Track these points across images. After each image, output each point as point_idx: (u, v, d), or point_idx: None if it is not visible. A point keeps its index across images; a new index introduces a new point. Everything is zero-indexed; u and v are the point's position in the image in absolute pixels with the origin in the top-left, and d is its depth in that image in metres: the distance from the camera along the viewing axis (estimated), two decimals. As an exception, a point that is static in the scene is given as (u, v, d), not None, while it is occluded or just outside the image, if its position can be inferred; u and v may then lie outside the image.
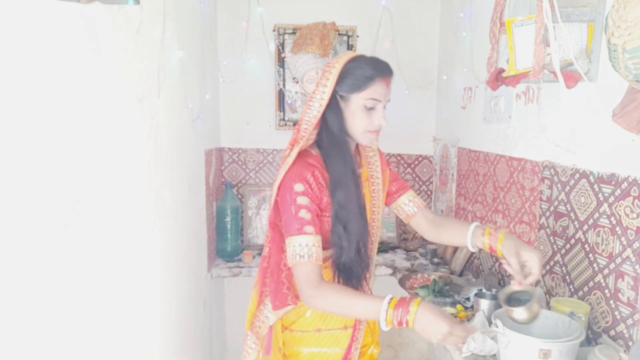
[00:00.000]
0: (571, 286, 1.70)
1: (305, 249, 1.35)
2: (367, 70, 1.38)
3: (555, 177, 1.78)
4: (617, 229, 1.46)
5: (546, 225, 1.85)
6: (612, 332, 1.49)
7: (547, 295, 1.81)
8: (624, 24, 1.14)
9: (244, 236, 2.96)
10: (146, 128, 1.49)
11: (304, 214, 1.36)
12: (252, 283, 1.72)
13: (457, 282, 2.30)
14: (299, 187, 1.37)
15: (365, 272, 1.51)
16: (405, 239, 3.12)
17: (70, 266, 1.04)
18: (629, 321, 1.42)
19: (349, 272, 1.44)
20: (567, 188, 1.70)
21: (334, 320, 1.53)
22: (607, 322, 1.52)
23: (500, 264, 2.18)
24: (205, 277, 2.47)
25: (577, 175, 1.65)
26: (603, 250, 1.53)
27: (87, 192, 1.11)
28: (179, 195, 1.92)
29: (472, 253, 2.50)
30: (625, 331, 1.44)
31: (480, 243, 1.47)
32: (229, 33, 2.89)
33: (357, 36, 2.98)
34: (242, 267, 2.64)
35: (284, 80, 2.98)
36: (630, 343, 1.41)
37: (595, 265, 1.57)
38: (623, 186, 1.43)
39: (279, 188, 1.43)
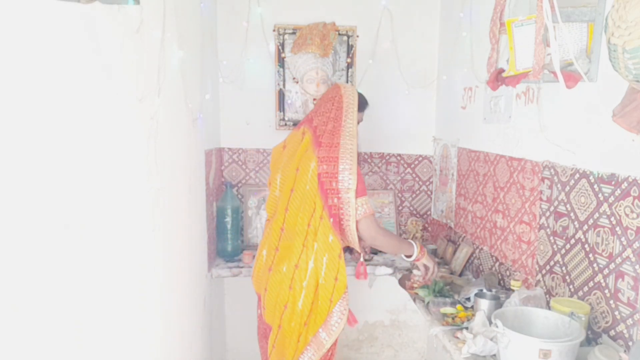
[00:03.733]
0: (571, 286, 1.70)
1: (371, 204, 2.09)
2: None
3: (555, 177, 1.78)
4: (617, 229, 1.46)
5: (546, 225, 1.85)
6: (612, 332, 1.49)
7: (547, 295, 1.81)
8: (624, 24, 1.14)
9: (244, 236, 2.96)
10: (146, 128, 1.49)
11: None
12: (252, 283, 2.18)
13: (457, 282, 2.30)
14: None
15: None
16: (405, 239, 3.12)
17: (70, 266, 1.04)
18: (629, 321, 1.42)
19: None
20: (567, 188, 1.70)
21: None
22: (607, 322, 1.52)
23: (501, 264, 2.19)
24: (205, 277, 2.47)
25: (577, 175, 1.65)
26: (603, 250, 1.53)
27: (87, 192, 1.11)
28: (179, 195, 1.92)
29: (472, 253, 2.50)
30: (625, 331, 1.44)
31: None
32: (229, 33, 2.89)
33: (357, 36, 2.98)
34: (242, 267, 2.64)
35: (284, 80, 2.98)
36: (630, 343, 1.41)
37: (595, 265, 1.57)
38: (623, 186, 1.43)
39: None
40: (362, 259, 2.14)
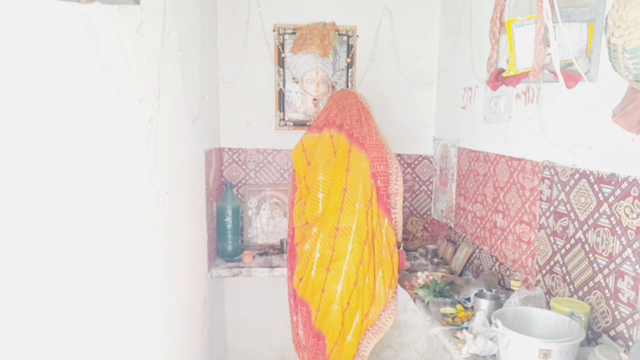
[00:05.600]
0: (571, 286, 1.70)
1: None
2: None
3: (555, 177, 1.78)
4: (617, 229, 1.46)
5: (546, 225, 1.85)
6: (612, 332, 1.49)
7: (547, 295, 1.81)
8: (624, 24, 1.14)
9: (244, 236, 2.96)
10: (146, 128, 1.49)
11: None
12: (252, 283, 2.14)
13: (457, 282, 2.30)
14: None
15: None
16: (405, 239, 3.12)
17: (70, 266, 1.04)
18: (629, 321, 1.42)
19: None
20: (567, 188, 1.71)
21: None
22: (607, 322, 1.52)
23: (501, 264, 2.19)
24: (205, 277, 2.47)
25: (577, 175, 1.65)
26: (603, 250, 1.53)
27: (87, 192, 1.11)
28: (179, 195, 1.92)
29: (472, 253, 2.50)
30: (625, 331, 1.44)
31: None
32: (229, 33, 2.89)
33: (357, 36, 2.98)
34: (242, 267, 2.64)
35: (284, 80, 2.98)
36: (630, 343, 1.41)
37: (595, 265, 1.57)
38: (623, 186, 1.43)
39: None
40: (401, 248, 2.39)
